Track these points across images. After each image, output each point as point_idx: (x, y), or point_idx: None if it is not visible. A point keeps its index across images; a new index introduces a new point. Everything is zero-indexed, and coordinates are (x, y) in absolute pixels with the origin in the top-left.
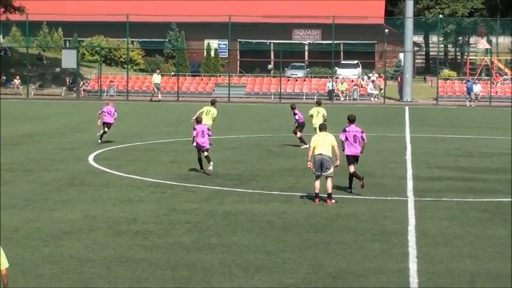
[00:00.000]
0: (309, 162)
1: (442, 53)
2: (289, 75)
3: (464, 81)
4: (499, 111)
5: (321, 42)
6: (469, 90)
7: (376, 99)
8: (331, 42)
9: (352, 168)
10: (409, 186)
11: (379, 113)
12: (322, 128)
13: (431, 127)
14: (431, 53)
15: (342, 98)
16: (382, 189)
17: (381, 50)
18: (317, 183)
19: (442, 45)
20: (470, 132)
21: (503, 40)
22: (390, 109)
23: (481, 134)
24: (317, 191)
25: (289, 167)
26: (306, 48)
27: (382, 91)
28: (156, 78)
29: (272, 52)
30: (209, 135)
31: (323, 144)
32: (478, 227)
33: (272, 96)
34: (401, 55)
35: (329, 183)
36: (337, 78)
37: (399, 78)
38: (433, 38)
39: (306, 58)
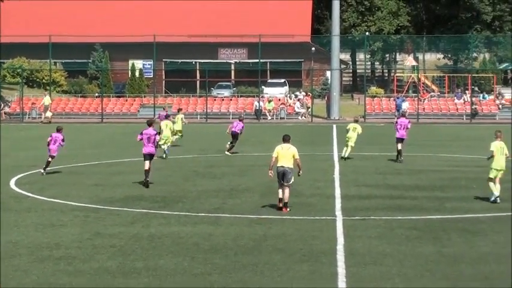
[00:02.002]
0: (270, 171)
1: (369, 71)
2: (216, 94)
3: (393, 98)
4: (426, 128)
5: (247, 61)
6: (398, 107)
7: (303, 117)
8: (257, 61)
9: (147, 166)
10: (338, 205)
11: (307, 131)
12: (286, 139)
13: (359, 145)
14: (358, 71)
15: (269, 117)
16: (310, 209)
17: (308, 68)
18: (280, 191)
19: (369, 63)
20: None
21: (430, 57)
22: (318, 127)
23: (409, 151)
24: (280, 196)
25: (216, 188)
26: (232, 67)
27: (310, 109)
28: (46, 99)
29: (198, 71)
30: (61, 145)
31: (285, 156)
32: (407, 245)
33: (198, 116)
34: (328, 73)
35: (286, 193)
36: (263, 97)
37: (327, 97)
38: (360, 56)
39: (233, 77)
